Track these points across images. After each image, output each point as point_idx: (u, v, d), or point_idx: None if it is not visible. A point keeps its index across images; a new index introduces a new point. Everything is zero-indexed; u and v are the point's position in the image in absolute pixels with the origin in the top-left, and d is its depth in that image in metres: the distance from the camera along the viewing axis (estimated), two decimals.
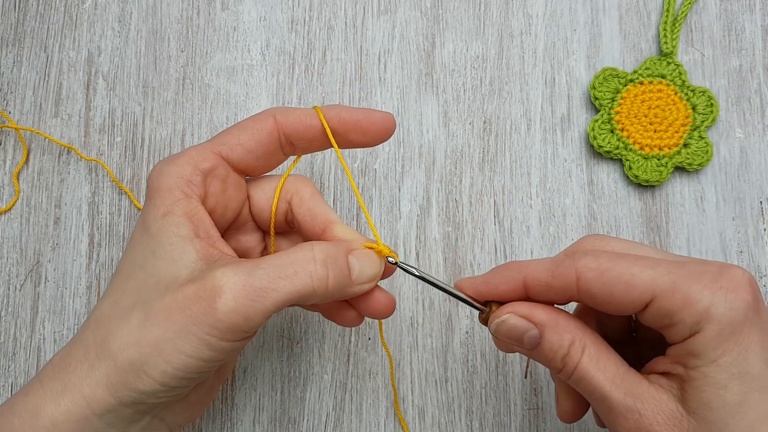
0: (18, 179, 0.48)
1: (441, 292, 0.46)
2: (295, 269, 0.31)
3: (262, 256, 0.39)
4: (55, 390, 0.31)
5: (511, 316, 0.33)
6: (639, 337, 0.36)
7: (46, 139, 0.49)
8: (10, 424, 0.31)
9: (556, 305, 0.34)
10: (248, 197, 0.38)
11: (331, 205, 0.48)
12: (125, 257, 0.34)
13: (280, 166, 0.39)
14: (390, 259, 0.35)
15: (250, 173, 0.37)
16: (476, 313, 0.46)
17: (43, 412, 0.31)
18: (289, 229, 0.39)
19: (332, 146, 0.36)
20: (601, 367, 0.31)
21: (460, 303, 0.47)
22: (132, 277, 0.33)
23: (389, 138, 0.37)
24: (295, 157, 0.39)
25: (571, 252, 0.32)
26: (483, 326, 0.46)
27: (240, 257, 0.35)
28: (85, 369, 0.31)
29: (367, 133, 0.36)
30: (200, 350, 0.30)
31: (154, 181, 0.34)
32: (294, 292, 0.31)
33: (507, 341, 0.33)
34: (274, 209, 0.37)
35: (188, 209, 0.33)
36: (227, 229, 0.38)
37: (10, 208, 0.48)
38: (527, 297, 0.33)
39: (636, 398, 0.30)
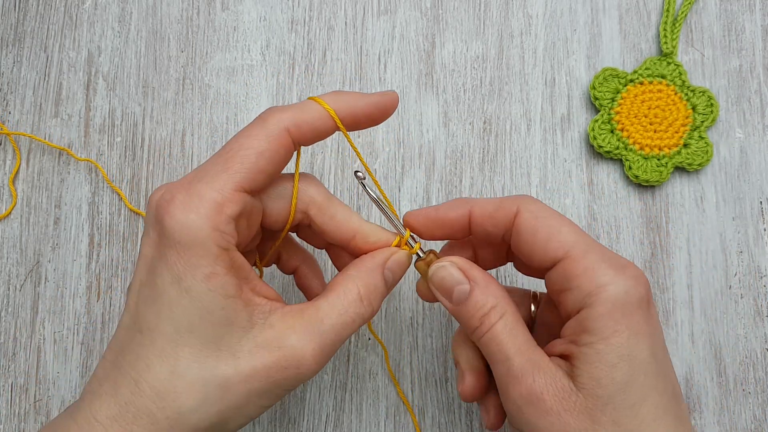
0: (14, 185, 0.48)
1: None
2: (351, 316, 0.33)
3: (251, 248, 0.38)
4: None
5: (450, 265, 0.35)
6: (537, 320, 0.39)
7: (45, 138, 0.49)
8: None
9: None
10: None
11: None
12: (163, 317, 0.31)
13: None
14: (359, 172, 0.36)
15: (263, 191, 0.35)
16: None
17: None
18: (298, 229, 0.38)
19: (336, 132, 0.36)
20: (513, 334, 0.33)
21: None
22: (184, 343, 0.31)
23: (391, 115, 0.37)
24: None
25: (517, 195, 0.36)
26: (433, 292, 0.45)
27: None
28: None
29: (374, 118, 0.36)
30: (277, 400, 0.33)
31: (180, 235, 0.30)
32: (351, 333, 0.34)
33: (438, 289, 0.36)
34: (288, 224, 0.36)
35: (229, 264, 0.31)
36: None
37: (8, 215, 0.48)
38: (469, 233, 0.36)
39: (534, 366, 0.32)
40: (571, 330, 0.32)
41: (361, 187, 0.36)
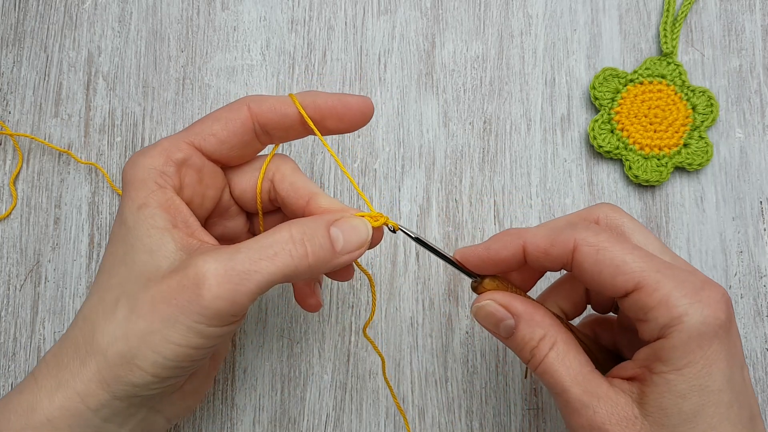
0: (15, 186, 0.48)
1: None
2: (275, 250, 0.31)
3: (249, 238, 0.39)
4: (48, 386, 0.32)
5: (490, 303, 0.34)
6: (618, 317, 0.38)
7: (45, 138, 0.49)
8: (7, 421, 0.31)
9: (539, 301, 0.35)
10: (228, 182, 0.37)
11: None
12: (106, 253, 0.34)
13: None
14: (389, 226, 0.35)
15: (225, 163, 0.36)
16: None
17: (39, 408, 0.31)
18: (273, 208, 0.38)
19: (311, 134, 0.36)
20: (566, 363, 0.32)
21: (460, 303, 0.47)
22: (114, 273, 0.33)
23: (367, 122, 0.36)
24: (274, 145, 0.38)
25: (573, 221, 0.33)
26: (483, 326, 0.46)
27: (228, 243, 0.35)
28: (77, 365, 0.31)
29: (343, 119, 0.35)
30: (189, 338, 0.30)
31: (128, 174, 0.34)
32: (276, 272, 0.31)
33: (486, 327, 0.35)
34: (259, 189, 0.36)
35: (163, 200, 0.33)
36: (210, 217, 0.38)
37: (8, 215, 0.48)
38: (525, 263, 0.34)
39: (593, 396, 0.31)
40: (645, 355, 0.31)
41: (405, 238, 0.36)
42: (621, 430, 0.30)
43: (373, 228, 0.35)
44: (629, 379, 0.32)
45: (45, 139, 0.49)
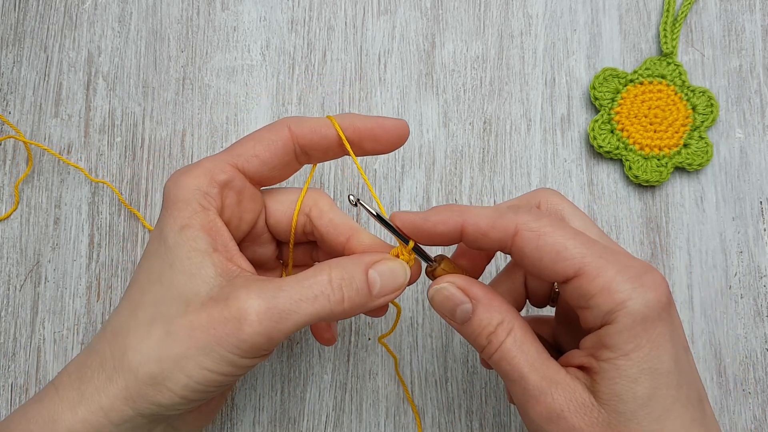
0: (19, 189, 0.48)
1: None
2: (315, 293, 0.32)
3: (277, 265, 0.40)
4: (71, 399, 0.32)
5: (448, 286, 0.34)
6: (557, 311, 0.38)
7: (45, 138, 0.49)
8: (27, 431, 0.32)
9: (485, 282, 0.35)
10: (265, 209, 0.38)
11: None
12: (141, 268, 0.34)
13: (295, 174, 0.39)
14: (352, 196, 0.35)
15: (265, 183, 0.37)
16: None
17: (60, 420, 0.31)
18: (305, 240, 0.39)
19: (347, 154, 0.37)
20: (523, 350, 0.32)
21: None
22: (149, 290, 0.33)
23: (403, 144, 0.37)
24: (311, 165, 0.39)
25: (515, 205, 0.33)
26: (438, 311, 0.46)
27: (256, 269, 0.36)
28: (102, 380, 0.32)
29: (380, 141, 0.36)
30: (221, 366, 0.31)
31: (171, 193, 0.33)
32: (314, 314, 0.32)
33: (440, 311, 0.34)
34: (294, 222, 0.37)
35: (206, 222, 0.33)
36: (242, 240, 0.38)
37: (8, 217, 0.48)
38: (459, 241, 0.34)
39: (551, 383, 0.31)
40: (591, 343, 0.31)
41: (357, 208, 0.36)
42: (579, 417, 0.30)
43: (411, 267, 0.35)
44: (579, 367, 0.32)
45: (45, 139, 0.49)
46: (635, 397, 0.30)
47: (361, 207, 0.35)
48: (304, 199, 0.37)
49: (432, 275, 0.35)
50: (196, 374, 0.31)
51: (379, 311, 0.38)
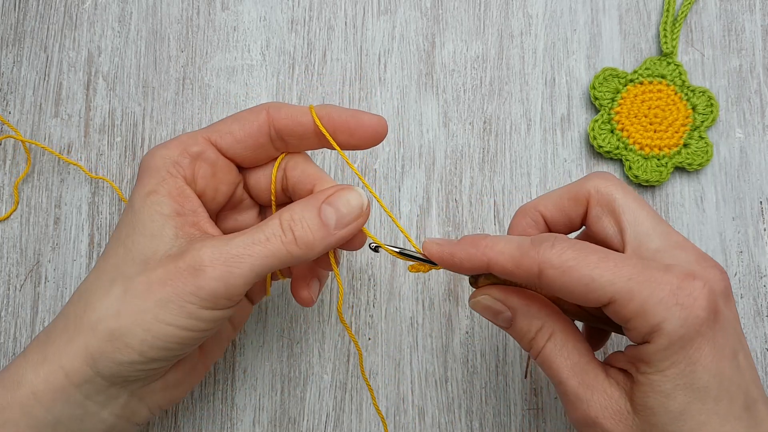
0: (18, 189, 0.48)
1: (441, 292, 0.47)
2: (266, 235, 0.32)
3: None
4: (35, 360, 0.32)
5: (486, 298, 0.34)
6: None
7: (45, 138, 0.49)
8: None
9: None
10: (243, 174, 0.38)
11: None
12: (112, 237, 0.35)
13: None
14: (371, 243, 0.35)
15: (239, 163, 0.37)
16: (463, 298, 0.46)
17: (24, 381, 0.32)
18: (287, 199, 0.39)
19: (324, 146, 0.37)
20: (564, 354, 0.32)
21: (460, 304, 0.47)
22: (113, 254, 0.34)
23: (379, 142, 0.36)
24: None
25: (539, 237, 0.32)
26: (483, 326, 0.46)
27: None
28: (64, 340, 0.32)
29: (354, 135, 0.36)
30: (180, 319, 0.31)
31: (144, 162, 0.35)
32: (269, 255, 0.32)
33: (485, 317, 0.35)
34: (274, 176, 0.37)
35: (172, 189, 0.34)
36: (222, 210, 0.39)
37: (8, 217, 0.48)
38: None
39: (588, 389, 0.31)
40: (632, 354, 0.31)
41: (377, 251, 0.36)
42: (614, 424, 0.30)
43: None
44: (622, 371, 0.32)
45: (45, 139, 0.49)
46: (667, 411, 0.29)
47: (384, 250, 0.36)
48: (283, 157, 0.38)
49: (476, 284, 0.36)
50: (154, 327, 0.31)
51: (352, 244, 0.37)
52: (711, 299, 0.30)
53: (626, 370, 0.32)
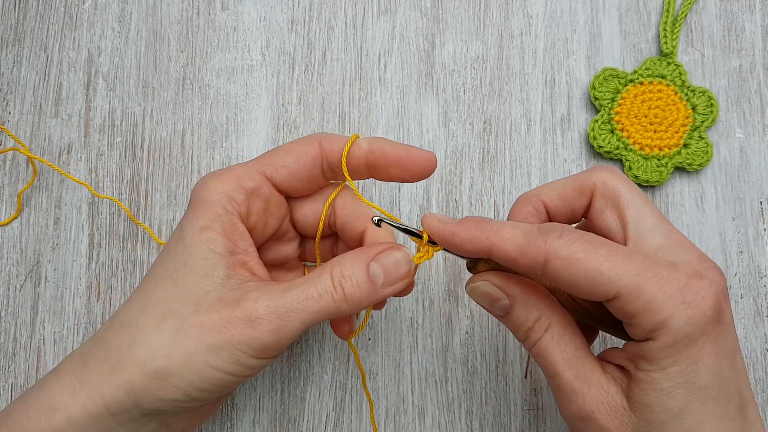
0: (21, 199, 0.48)
1: (441, 292, 0.47)
2: (319, 291, 0.33)
3: (298, 265, 0.41)
4: (72, 386, 0.32)
5: (485, 284, 0.34)
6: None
7: (45, 138, 0.49)
8: (27, 417, 0.32)
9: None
10: (290, 206, 0.38)
11: None
12: (156, 264, 0.34)
13: None
14: (374, 218, 0.36)
15: (291, 194, 0.38)
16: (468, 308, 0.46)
17: (61, 407, 0.32)
18: (329, 232, 0.39)
19: (373, 176, 0.37)
20: (561, 346, 0.32)
21: (460, 304, 0.47)
22: (161, 285, 0.33)
23: (429, 176, 0.37)
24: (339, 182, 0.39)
25: (545, 226, 0.31)
26: (483, 326, 0.46)
27: (277, 268, 0.38)
28: (105, 370, 0.32)
29: (406, 169, 0.36)
30: (230, 366, 0.32)
31: (198, 194, 0.34)
32: (319, 311, 0.33)
33: (482, 305, 0.35)
34: (321, 222, 0.38)
35: (227, 226, 0.34)
36: (266, 241, 0.39)
37: (9, 222, 0.48)
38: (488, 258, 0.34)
39: (584, 383, 0.31)
40: (632, 351, 0.31)
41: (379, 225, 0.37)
42: (610, 420, 0.30)
43: (416, 262, 0.35)
44: (619, 367, 0.32)
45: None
46: (666, 409, 0.29)
47: (386, 224, 0.36)
48: (330, 194, 0.38)
49: (474, 270, 0.35)
50: (203, 372, 0.31)
51: (379, 304, 0.39)
52: (717, 299, 0.30)
53: (623, 367, 0.32)
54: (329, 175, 0.37)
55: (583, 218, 0.36)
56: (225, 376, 0.32)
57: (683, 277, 0.30)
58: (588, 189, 0.35)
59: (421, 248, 0.35)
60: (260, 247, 0.38)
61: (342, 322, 0.40)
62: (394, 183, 0.48)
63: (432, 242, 0.35)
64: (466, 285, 0.35)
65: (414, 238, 0.35)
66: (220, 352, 0.31)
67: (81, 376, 0.32)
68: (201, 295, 0.32)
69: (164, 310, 0.32)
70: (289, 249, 0.40)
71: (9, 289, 0.47)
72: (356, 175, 0.37)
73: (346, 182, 0.38)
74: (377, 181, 0.48)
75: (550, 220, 0.36)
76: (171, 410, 0.33)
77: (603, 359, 0.33)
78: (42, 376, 0.46)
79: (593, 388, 0.31)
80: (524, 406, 0.45)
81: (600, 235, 0.33)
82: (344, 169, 0.36)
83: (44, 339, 0.46)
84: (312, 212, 0.38)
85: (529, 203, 0.36)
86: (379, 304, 0.39)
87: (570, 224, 0.36)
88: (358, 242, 0.38)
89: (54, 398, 0.32)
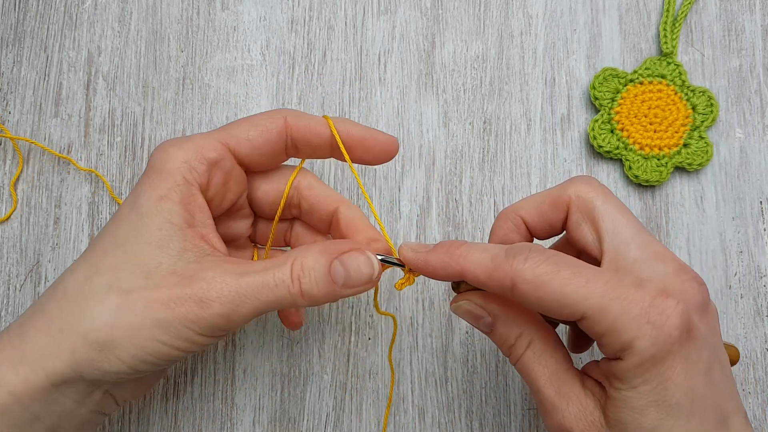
0: (15, 188, 0.48)
1: (441, 292, 0.47)
2: (276, 281, 0.32)
3: (248, 244, 0.40)
4: (12, 358, 0.31)
5: (467, 303, 0.34)
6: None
7: (45, 138, 0.49)
8: None
9: None
10: (249, 184, 0.38)
11: None
12: (107, 231, 0.33)
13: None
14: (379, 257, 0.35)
15: (251, 169, 0.37)
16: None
17: (2, 382, 0.31)
18: (288, 216, 0.39)
19: (334, 157, 0.37)
20: (542, 362, 0.32)
21: None
22: (110, 255, 0.32)
23: (390, 159, 0.37)
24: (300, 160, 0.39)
25: (513, 248, 0.32)
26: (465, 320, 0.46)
27: (227, 245, 0.36)
28: (47, 341, 0.31)
29: (369, 151, 0.37)
30: (176, 341, 0.31)
31: (157, 161, 0.33)
32: (273, 301, 0.32)
33: (467, 321, 0.35)
34: (286, 193, 0.37)
35: (186, 196, 0.33)
36: (219, 216, 0.38)
37: (7, 218, 0.48)
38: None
39: (564, 398, 0.31)
40: (606, 368, 0.31)
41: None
42: None
43: (381, 267, 0.35)
44: (598, 383, 0.32)
45: (45, 139, 0.49)
46: (639, 427, 0.30)
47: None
48: (289, 174, 0.38)
49: (457, 289, 0.36)
50: (148, 346, 0.31)
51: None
52: (684, 317, 0.29)
53: (600, 383, 0.32)
54: (292, 151, 0.37)
55: (564, 231, 0.36)
56: (171, 350, 0.31)
57: (648, 297, 0.29)
58: (564, 203, 0.35)
59: (403, 274, 0.36)
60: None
61: (291, 314, 0.40)
62: (394, 183, 0.48)
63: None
64: (451, 304, 0.36)
65: (405, 279, 0.36)
66: (166, 327, 0.30)
67: (20, 347, 0.31)
68: (152, 267, 0.31)
69: (111, 280, 0.31)
70: (241, 227, 0.39)
71: (9, 289, 0.47)
72: (318, 153, 0.37)
73: (305, 162, 0.38)
74: (376, 182, 0.48)
75: (531, 235, 0.37)
76: (115, 381, 0.32)
77: (585, 372, 0.33)
78: None
79: (572, 404, 0.31)
80: (524, 406, 0.45)
81: (579, 249, 0.34)
82: (342, 150, 0.36)
83: None
84: (273, 191, 0.37)
85: (509, 219, 0.36)
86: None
87: (552, 237, 0.37)
88: (327, 224, 0.37)
89: None
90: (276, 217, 0.38)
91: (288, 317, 0.40)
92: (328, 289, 0.33)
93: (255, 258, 0.40)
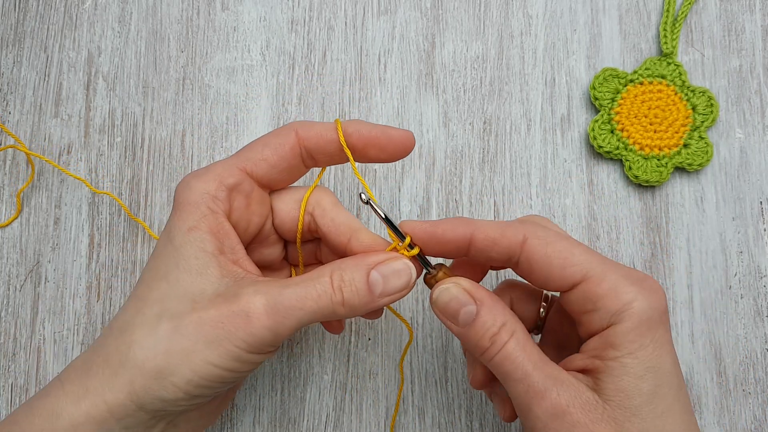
0: (21, 198, 0.48)
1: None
2: (318, 292, 0.33)
3: (284, 266, 0.41)
4: (76, 393, 0.32)
5: (453, 287, 0.34)
6: (546, 325, 0.39)
7: (45, 138, 0.49)
8: (31, 424, 0.32)
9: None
10: (271, 210, 0.38)
11: None
12: (147, 268, 0.34)
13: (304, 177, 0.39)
14: (364, 195, 0.36)
15: (273, 187, 0.38)
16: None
17: (64, 414, 0.32)
18: (311, 237, 0.39)
19: (356, 160, 0.37)
20: (526, 350, 0.33)
21: None
22: (155, 288, 0.33)
23: (407, 155, 0.37)
24: (320, 168, 0.39)
25: (521, 219, 0.35)
26: (440, 316, 0.46)
27: (262, 270, 0.37)
28: (107, 375, 0.32)
29: (385, 150, 0.37)
30: (227, 361, 0.32)
31: (181, 195, 0.35)
32: (317, 311, 0.33)
33: (443, 313, 0.35)
34: (300, 224, 0.38)
35: (213, 225, 0.34)
36: (250, 243, 0.38)
37: (9, 224, 0.48)
38: (467, 253, 0.35)
39: (555, 381, 0.32)
40: (595, 345, 0.32)
41: (366, 206, 0.37)
42: (585, 414, 0.31)
43: (413, 261, 0.35)
44: (580, 371, 0.33)
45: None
46: (641, 393, 0.31)
47: (371, 208, 0.36)
48: (309, 197, 0.38)
49: (432, 282, 0.36)
50: (201, 369, 0.31)
51: (374, 314, 0.39)
52: (665, 299, 0.33)
53: (586, 368, 0.33)
54: (309, 162, 0.37)
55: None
56: (223, 371, 0.32)
57: (638, 273, 0.33)
58: (519, 241, 0.35)
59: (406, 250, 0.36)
60: (245, 250, 0.38)
61: (335, 322, 0.41)
62: (394, 183, 0.48)
63: (410, 246, 0.35)
64: (432, 292, 0.35)
65: (393, 235, 0.36)
66: (217, 348, 0.31)
67: (84, 382, 0.32)
68: (197, 293, 0.32)
69: (161, 310, 0.32)
70: (273, 252, 0.40)
71: (9, 289, 0.47)
72: (336, 159, 0.37)
73: (318, 184, 0.38)
74: (376, 181, 0.48)
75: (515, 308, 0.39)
76: (175, 410, 0.33)
77: (563, 367, 0.34)
78: (42, 376, 0.46)
79: (564, 385, 0.32)
80: None
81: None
82: (347, 151, 0.36)
83: (44, 339, 0.46)
84: (290, 218, 0.38)
85: (464, 229, 0.36)
86: (374, 314, 0.39)
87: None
88: (343, 251, 0.37)
89: (58, 405, 0.32)
90: (298, 244, 0.39)
91: (331, 325, 0.41)
92: (368, 299, 0.34)
93: (293, 275, 0.41)
